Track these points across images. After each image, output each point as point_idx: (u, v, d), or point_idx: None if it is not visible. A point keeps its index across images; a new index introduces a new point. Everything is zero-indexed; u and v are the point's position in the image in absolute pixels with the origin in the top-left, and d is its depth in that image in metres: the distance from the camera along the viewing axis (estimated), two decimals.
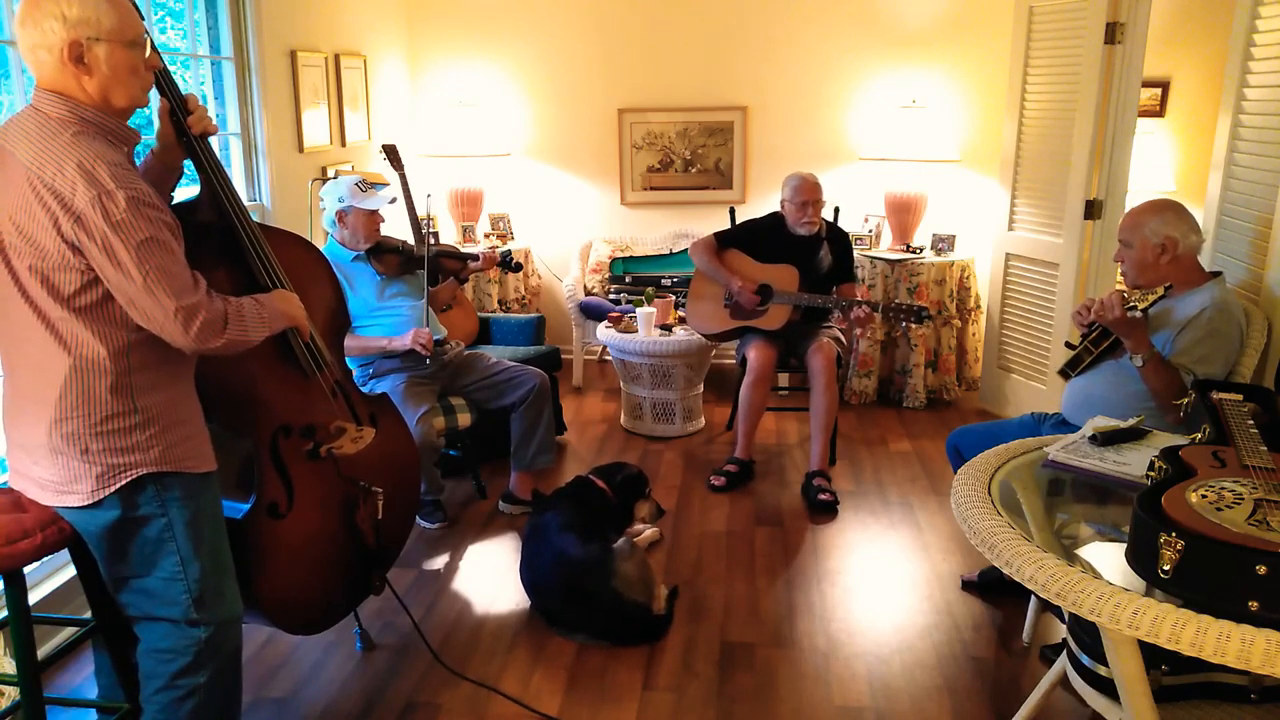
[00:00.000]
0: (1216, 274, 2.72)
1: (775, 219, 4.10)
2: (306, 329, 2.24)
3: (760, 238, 4.10)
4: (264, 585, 2.23)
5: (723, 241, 4.17)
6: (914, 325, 3.77)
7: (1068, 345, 2.87)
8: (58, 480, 1.84)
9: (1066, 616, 2.26)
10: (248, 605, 2.14)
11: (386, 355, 3.56)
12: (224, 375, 2.11)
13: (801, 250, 4.02)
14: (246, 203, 3.92)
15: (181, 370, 1.96)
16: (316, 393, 2.38)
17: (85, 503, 1.84)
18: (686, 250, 4.91)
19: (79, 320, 1.78)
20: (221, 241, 2.11)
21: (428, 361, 3.51)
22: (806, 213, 3.96)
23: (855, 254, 4.88)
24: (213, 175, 2.09)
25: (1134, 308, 2.62)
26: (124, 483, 1.84)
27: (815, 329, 4.05)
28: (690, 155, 5.51)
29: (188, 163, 2.12)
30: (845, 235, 4.18)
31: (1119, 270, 2.82)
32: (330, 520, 2.43)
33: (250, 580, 2.18)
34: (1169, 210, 2.70)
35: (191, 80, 3.84)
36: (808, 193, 3.95)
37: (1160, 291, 2.61)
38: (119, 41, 1.78)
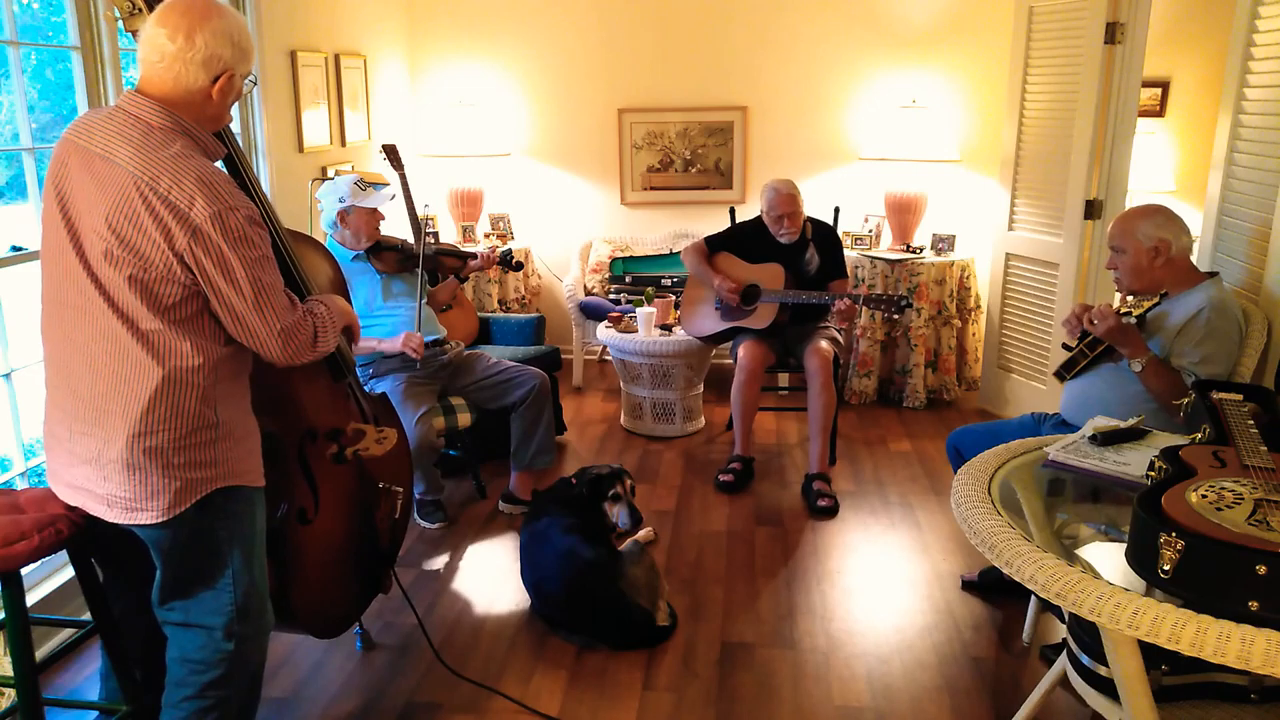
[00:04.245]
0: (1212, 274, 2.72)
1: (761, 222, 4.11)
2: (358, 330, 2.23)
3: (748, 240, 4.12)
4: (298, 591, 2.22)
5: (713, 245, 4.19)
6: (896, 315, 3.77)
7: (1064, 347, 2.87)
8: (130, 496, 1.78)
9: (1066, 616, 2.26)
10: (279, 612, 2.12)
11: (387, 356, 3.56)
12: (258, 382, 2.08)
13: (787, 253, 4.03)
14: None
15: (247, 383, 1.96)
16: (338, 396, 2.38)
17: (161, 519, 1.80)
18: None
19: (176, 332, 1.76)
20: None
21: (418, 365, 3.51)
22: (783, 225, 3.98)
23: (855, 254, 4.91)
24: (246, 178, 2.07)
25: (1129, 314, 2.62)
26: (200, 497, 1.82)
27: (812, 329, 4.05)
28: (690, 155, 5.51)
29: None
30: (832, 232, 4.18)
31: (1114, 277, 2.81)
32: (353, 522, 2.43)
33: (285, 587, 2.17)
34: (1159, 213, 2.70)
35: None
36: (781, 206, 3.95)
37: (1155, 299, 2.61)
38: (246, 76, 1.88)
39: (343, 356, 2.31)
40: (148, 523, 1.80)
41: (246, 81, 1.90)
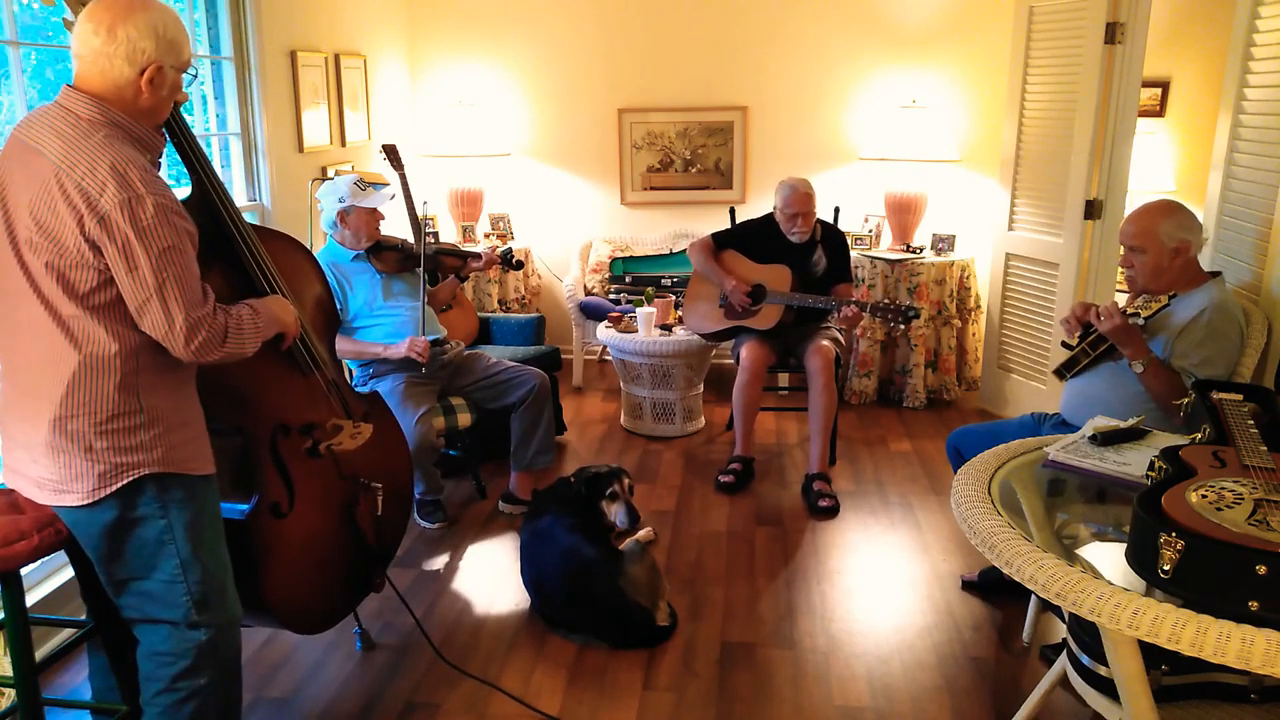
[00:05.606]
0: (1215, 274, 2.72)
1: (770, 221, 4.11)
2: (296, 334, 2.23)
3: (756, 239, 4.12)
4: (270, 585, 2.23)
5: (720, 242, 4.18)
6: (902, 325, 3.77)
7: (1064, 346, 2.87)
8: (57, 479, 1.83)
9: (1066, 616, 2.25)
10: (253, 606, 2.13)
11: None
12: (223, 375, 2.11)
13: (796, 253, 4.03)
14: (246, 203, 3.92)
15: (186, 372, 1.96)
16: (313, 391, 2.38)
17: (84, 501, 1.83)
18: (685, 250, 4.91)
19: (92, 318, 1.79)
20: (215, 243, 2.10)
21: (423, 371, 3.51)
22: (796, 224, 3.98)
23: (855, 254, 4.90)
24: (203, 173, 2.09)
25: (1136, 314, 2.61)
26: (125, 482, 1.83)
27: (814, 329, 4.05)
28: (690, 155, 5.51)
29: (178, 162, 2.12)
30: (841, 236, 4.18)
31: (1121, 274, 2.78)
32: (332, 518, 2.43)
33: (256, 581, 2.18)
34: (1180, 212, 2.67)
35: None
36: (797, 205, 3.96)
37: (1164, 300, 2.59)
38: (180, 69, 1.88)
39: (310, 352, 2.32)
40: (73, 504, 1.83)
41: (185, 76, 1.91)
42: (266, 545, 2.22)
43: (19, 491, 1.91)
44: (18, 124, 1.86)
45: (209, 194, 2.10)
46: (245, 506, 2.20)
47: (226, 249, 2.13)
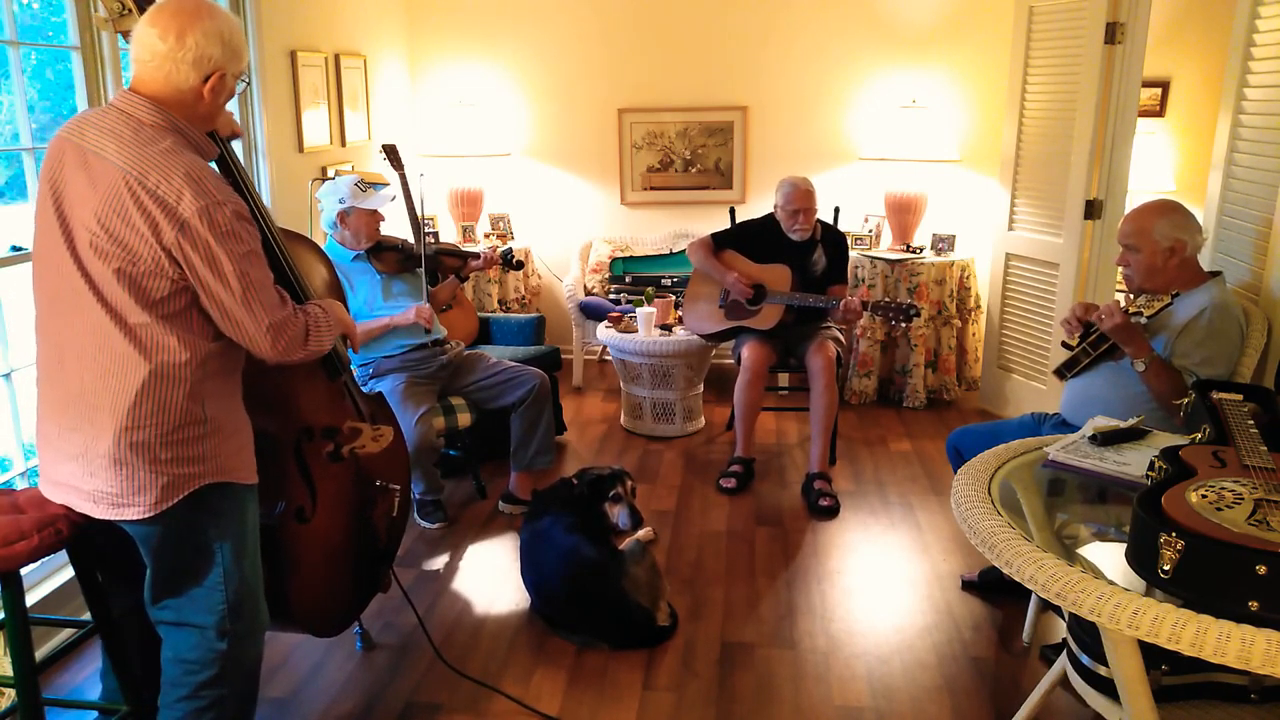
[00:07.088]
0: (1215, 274, 2.71)
1: (770, 220, 4.11)
2: (357, 336, 2.25)
3: (755, 239, 4.12)
4: (296, 590, 2.22)
5: (719, 242, 4.18)
6: (903, 323, 3.78)
7: (1065, 346, 2.87)
8: (117, 492, 1.78)
9: (1066, 616, 2.25)
10: (277, 611, 2.12)
11: (387, 356, 3.56)
12: (257, 379, 2.08)
13: (796, 252, 4.03)
14: None
15: (238, 379, 1.96)
16: (334, 394, 2.38)
17: (147, 515, 1.79)
18: (685, 251, 4.91)
19: (163, 326, 1.77)
20: None
21: (427, 333, 3.50)
22: (798, 220, 3.98)
23: (855, 254, 4.90)
24: (239, 176, 2.08)
25: (1139, 314, 2.61)
26: (187, 493, 1.82)
27: (815, 329, 4.05)
28: (690, 155, 5.51)
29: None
30: (841, 236, 4.18)
31: (1119, 273, 2.78)
32: (351, 520, 2.43)
33: (283, 586, 2.17)
34: (1176, 212, 2.67)
35: None
36: (799, 201, 3.96)
37: (1167, 299, 2.59)
38: (238, 76, 1.89)
39: (337, 354, 2.32)
40: (135, 518, 1.80)
41: (239, 81, 1.90)
42: (291, 550, 2.21)
43: (69, 505, 1.86)
44: (65, 126, 1.83)
45: (246, 198, 2.08)
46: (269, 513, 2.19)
47: (265, 253, 2.11)
